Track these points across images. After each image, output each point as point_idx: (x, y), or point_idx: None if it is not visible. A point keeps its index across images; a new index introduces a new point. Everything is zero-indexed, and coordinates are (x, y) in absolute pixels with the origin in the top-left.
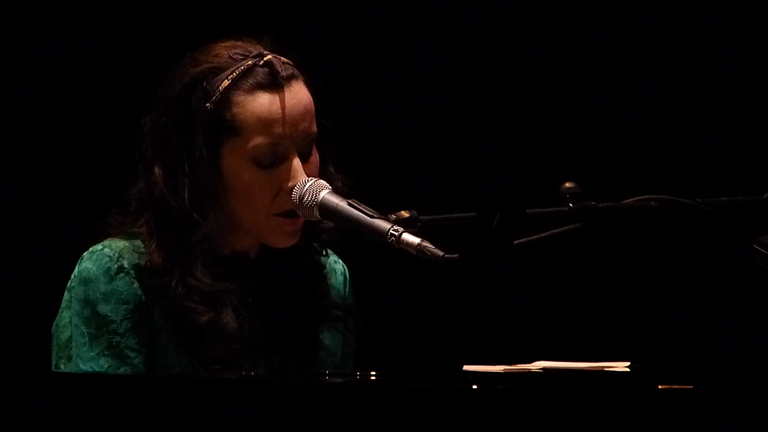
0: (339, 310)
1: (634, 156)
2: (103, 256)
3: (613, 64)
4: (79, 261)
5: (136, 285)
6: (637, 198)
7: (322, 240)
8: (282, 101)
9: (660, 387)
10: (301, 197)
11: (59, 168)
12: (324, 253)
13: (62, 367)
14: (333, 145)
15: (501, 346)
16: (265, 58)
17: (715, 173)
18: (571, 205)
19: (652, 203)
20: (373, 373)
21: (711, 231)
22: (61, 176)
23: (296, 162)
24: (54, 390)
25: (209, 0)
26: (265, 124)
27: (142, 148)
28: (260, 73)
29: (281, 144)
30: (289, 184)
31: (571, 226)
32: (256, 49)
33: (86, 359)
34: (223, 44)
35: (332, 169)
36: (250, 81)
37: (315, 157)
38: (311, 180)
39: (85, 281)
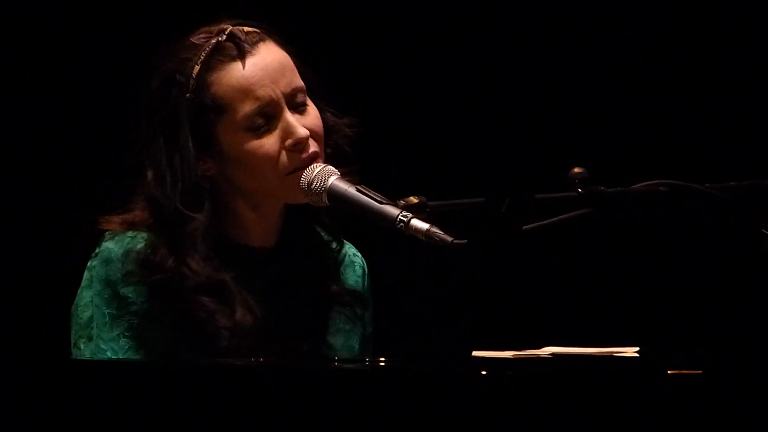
0: (352, 298)
1: (642, 141)
2: (125, 237)
3: (621, 50)
4: (99, 241)
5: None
6: (645, 183)
7: (329, 224)
8: (254, 64)
9: (669, 372)
10: (310, 183)
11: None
12: (340, 246)
13: (81, 346)
14: (325, 93)
15: (510, 331)
16: (226, 32)
17: (723, 158)
18: (579, 190)
19: (661, 188)
20: (382, 358)
21: (719, 216)
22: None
23: (289, 117)
24: (66, 376)
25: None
26: (246, 90)
27: (133, 152)
28: (226, 48)
29: (269, 104)
30: (290, 140)
31: (580, 212)
32: (217, 28)
33: (107, 339)
34: (188, 36)
35: (332, 116)
36: (219, 58)
37: (312, 108)
38: (320, 166)
39: (106, 261)
